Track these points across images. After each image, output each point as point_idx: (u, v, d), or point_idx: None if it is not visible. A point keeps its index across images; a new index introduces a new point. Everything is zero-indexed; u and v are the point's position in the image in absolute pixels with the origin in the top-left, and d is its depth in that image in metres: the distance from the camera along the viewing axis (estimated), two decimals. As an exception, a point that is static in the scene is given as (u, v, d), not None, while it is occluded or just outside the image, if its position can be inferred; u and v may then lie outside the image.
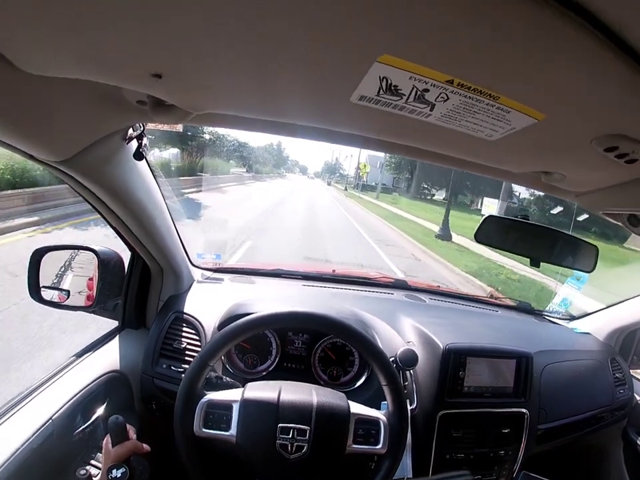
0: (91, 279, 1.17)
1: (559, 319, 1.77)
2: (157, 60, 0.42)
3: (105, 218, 0.96)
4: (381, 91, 0.40)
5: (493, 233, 0.95)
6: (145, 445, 0.83)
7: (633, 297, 1.55)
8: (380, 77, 0.37)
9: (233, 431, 0.83)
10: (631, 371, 1.57)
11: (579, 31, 0.28)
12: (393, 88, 0.39)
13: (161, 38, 0.36)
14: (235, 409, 0.85)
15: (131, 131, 0.78)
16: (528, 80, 0.36)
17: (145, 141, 0.79)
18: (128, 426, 0.82)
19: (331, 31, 0.32)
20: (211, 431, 0.84)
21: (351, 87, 0.41)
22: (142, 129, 0.78)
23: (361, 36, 0.32)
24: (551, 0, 0.27)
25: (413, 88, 0.38)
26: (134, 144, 0.80)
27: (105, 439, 0.80)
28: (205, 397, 0.86)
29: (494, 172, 0.78)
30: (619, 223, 0.82)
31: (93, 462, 0.91)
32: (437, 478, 1.06)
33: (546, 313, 1.81)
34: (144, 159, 0.84)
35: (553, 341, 1.47)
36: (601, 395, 1.41)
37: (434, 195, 30.83)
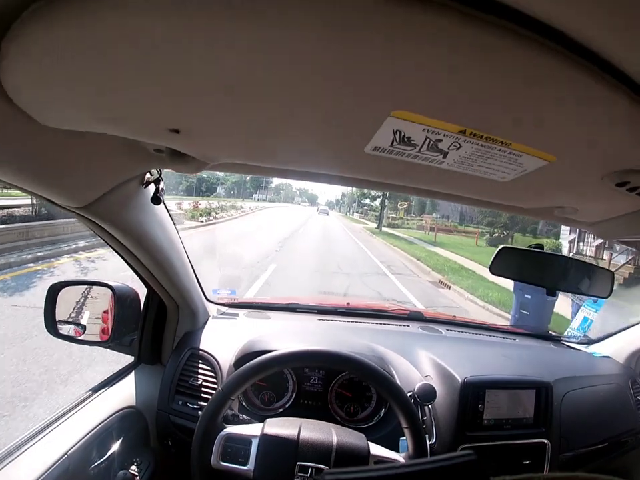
0: (105, 312, 1.18)
1: (578, 343, 1.74)
2: (174, 117, 0.44)
3: (122, 257, 0.98)
4: (395, 142, 0.41)
5: (507, 265, 0.96)
6: None
7: None
8: (394, 130, 0.39)
9: (251, 465, 0.83)
10: None
11: (585, 76, 0.29)
12: (406, 139, 0.40)
13: (178, 97, 0.38)
14: (254, 444, 0.85)
15: (148, 175, 0.80)
16: (538, 126, 0.37)
17: (162, 185, 0.82)
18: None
19: (345, 88, 0.33)
20: (229, 465, 0.84)
21: (365, 139, 0.42)
22: (159, 174, 0.81)
23: (374, 92, 0.33)
24: (556, 46, 0.28)
25: (425, 139, 0.40)
26: (151, 188, 0.82)
27: None
28: (224, 431, 0.86)
29: (507, 208, 0.79)
30: (633, 249, 0.82)
31: None
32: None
33: (564, 338, 1.79)
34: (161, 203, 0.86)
35: (572, 367, 1.44)
36: (623, 419, 1.38)
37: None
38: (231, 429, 0.87)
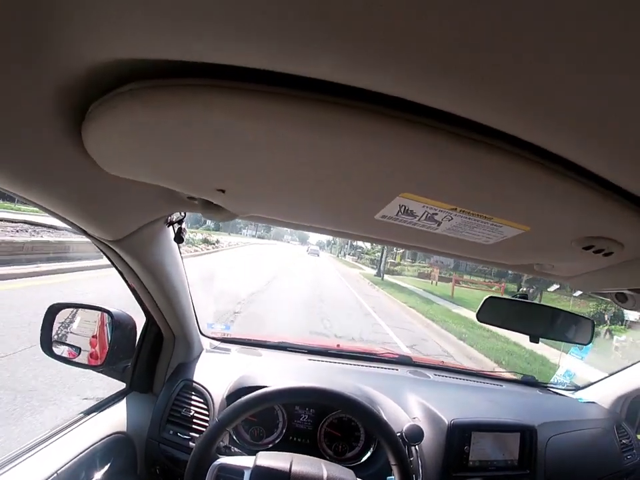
0: (94, 337, 1.19)
1: (564, 390, 1.78)
2: (224, 181, 0.51)
3: (129, 286, 1.02)
4: (400, 213, 0.49)
5: (493, 313, 1.02)
6: None
7: (636, 363, 1.58)
8: (400, 205, 0.47)
9: None
10: (638, 435, 1.57)
11: (547, 174, 0.37)
12: (409, 211, 0.48)
13: (232, 167, 0.45)
14: (246, 475, 0.86)
15: (173, 215, 0.87)
16: (514, 207, 0.45)
17: (184, 225, 0.88)
18: None
19: (364, 179, 0.42)
20: None
21: (376, 210, 0.50)
22: (183, 215, 0.88)
23: (389, 183, 0.42)
24: (528, 155, 0.36)
25: (425, 212, 0.48)
26: (173, 226, 0.89)
27: None
28: (218, 460, 0.88)
29: (491, 263, 0.86)
30: (609, 299, 0.89)
31: None
32: None
33: (551, 385, 1.82)
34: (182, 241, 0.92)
35: (558, 412, 1.48)
36: (607, 461, 1.41)
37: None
38: (224, 460, 0.89)
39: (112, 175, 0.52)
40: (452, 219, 0.49)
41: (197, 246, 17.48)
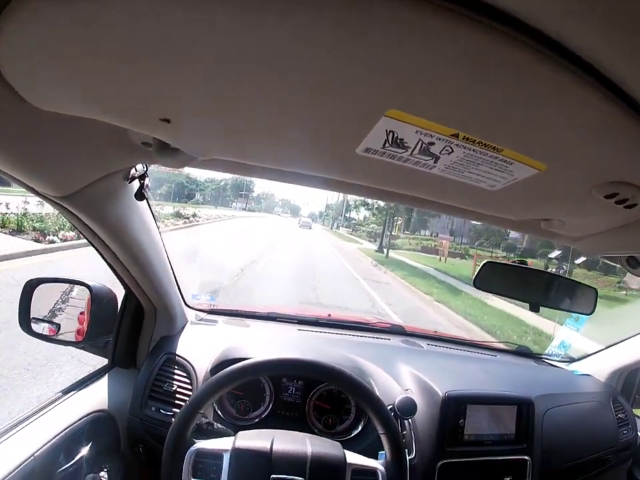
0: (82, 313, 1.15)
1: (559, 361, 1.76)
2: (166, 106, 0.43)
3: (101, 254, 0.95)
4: (387, 143, 0.40)
5: (491, 279, 0.96)
6: None
7: (631, 337, 1.55)
8: (387, 131, 0.38)
9: None
10: (633, 410, 1.56)
11: (579, 85, 0.29)
12: (398, 141, 0.39)
13: (171, 85, 0.37)
14: (226, 458, 0.82)
15: (133, 170, 0.78)
16: (530, 134, 0.37)
17: (147, 181, 0.80)
18: None
19: (341, 86, 0.33)
20: None
21: (357, 139, 0.41)
22: (145, 169, 0.79)
23: (370, 91, 0.33)
24: (552, 54, 0.27)
25: (418, 141, 0.39)
26: (136, 184, 0.80)
27: None
28: (194, 446, 0.83)
29: (494, 220, 0.79)
30: (618, 265, 0.84)
31: None
32: None
33: (545, 356, 1.79)
34: (145, 200, 0.84)
35: (554, 385, 1.46)
36: (604, 436, 1.39)
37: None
38: (201, 444, 0.84)
39: (47, 113, 0.45)
40: (452, 150, 0.40)
41: (164, 222, 14.19)
